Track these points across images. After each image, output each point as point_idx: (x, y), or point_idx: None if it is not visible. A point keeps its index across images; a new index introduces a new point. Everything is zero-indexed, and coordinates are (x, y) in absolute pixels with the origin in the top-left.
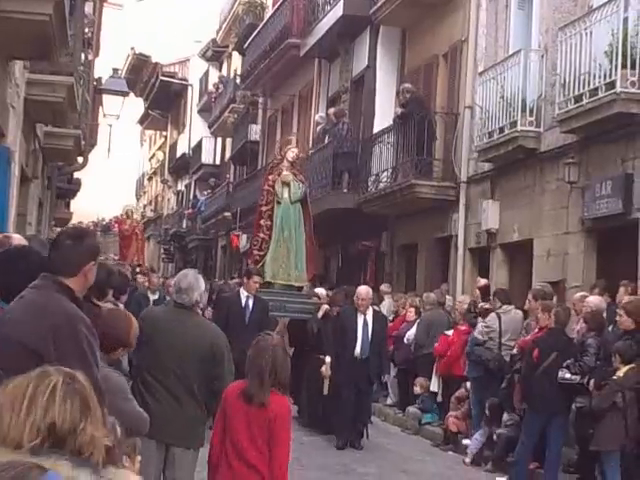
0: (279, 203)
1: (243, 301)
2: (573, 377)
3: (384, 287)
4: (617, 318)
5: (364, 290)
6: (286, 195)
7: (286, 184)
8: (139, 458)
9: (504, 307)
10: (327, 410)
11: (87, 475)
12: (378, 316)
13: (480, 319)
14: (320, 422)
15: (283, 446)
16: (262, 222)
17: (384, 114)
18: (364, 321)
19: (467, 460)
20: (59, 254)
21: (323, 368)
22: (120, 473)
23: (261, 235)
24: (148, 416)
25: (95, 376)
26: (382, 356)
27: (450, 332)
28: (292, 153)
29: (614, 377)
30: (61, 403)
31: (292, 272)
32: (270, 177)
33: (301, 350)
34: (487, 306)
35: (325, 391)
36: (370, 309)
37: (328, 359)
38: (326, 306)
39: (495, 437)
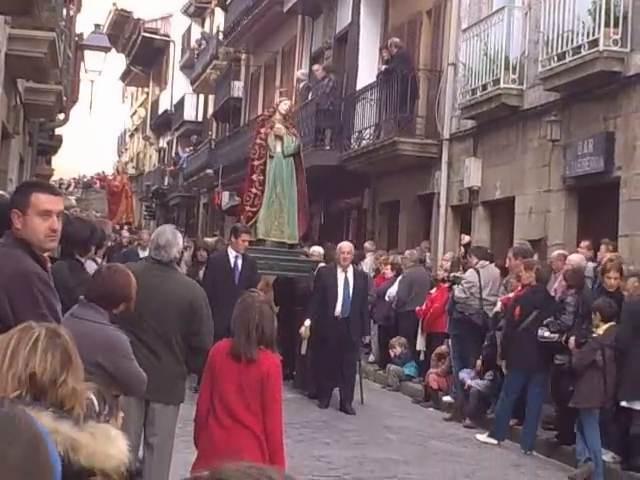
0: (272, 157)
1: (232, 261)
2: (552, 335)
3: (368, 245)
4: (607, 279)
5: (347, 245)
6: (279, 149)
7: (279, 137)
8: (121, 414)
9: (481, 262)
10: (309, 371)
11: (68, 427)
12: (359, 274)
13: (455, 286)
14: (306, 384)
15: (276, 404)
16: (254, 177)
17: (367, 71)
18: (345, 279)
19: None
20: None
21: (302, 329)
22: (101, 427)
23: (253, 190)
24: (146, 376)
25: None
26: (364, 316)
27: (433, 290)
28: (285, 105)
29: (594, 335)
30: (42, 354)
31: (285, 229)
32: (262, 130)
33: (288, 310)
34: (458, 274)
35: (303, 351)
36: (351, 266)
37: (308, 322)
38: (323, 264)
39: (464, 387)
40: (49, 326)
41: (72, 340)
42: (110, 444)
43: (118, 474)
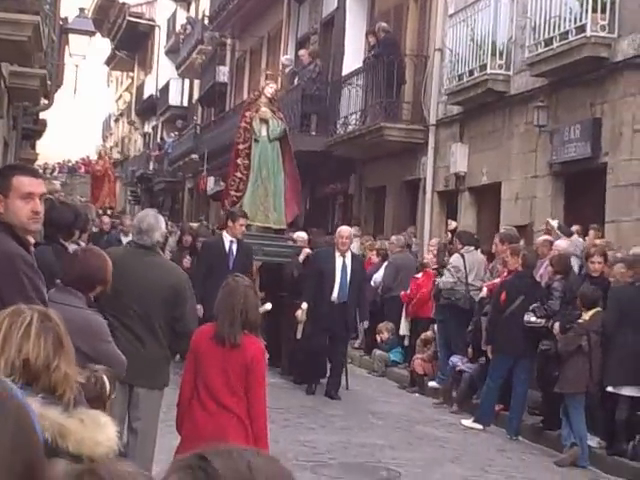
0: (257, 141)
1: (227, 246)
2: (538, 320)
3: (354, 230)
4: (591, 264)
5: (346, 229)
6: (264, 133)
7: (264, 121)
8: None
9: (466, 247)
10: (301, 356)
11: (57, 413)
12: (357, 259)
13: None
14: (298, 371)
15: (260, 388)
16: (239, 161)
17: (353, 56)
18: (343, 264)
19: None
20: None
21: (298, 312)
22: (91, 413)
23: (238, 175)
24: (125, 359)
25: None
26: (361, 301)
27: (419, 275)
28: (271, 89)
29: (580, 320)
30: (35, 339)
31: (270, 214)
32: (247, 114)
33: (274, 295)
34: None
35: (298, 335)
36: (349, 251)
37: (305, 305)
38: (308, 250)
39: (456, 370)
40: (40, 309)
41: (63, 323)
42: (99, 431)
43: None
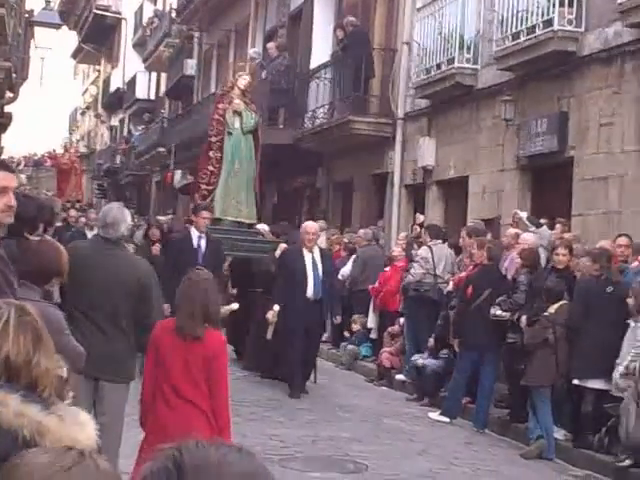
0: (230, 134)
1: (195, 241)
2: (504, 314)
3: (321, 224)
4: (555, 256)
5: (312, 225)
6: (237, 125)
7: (238, 113)
8: (71, 394)
9: (433, 241)
10: (274, 355)
11: (36, 411)
12: (325, 253)
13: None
14: (266, 367)
15: (222, 381)
16: (211, 154)
17: (321, 49)
18: (312, 260)
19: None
20: None
21: (269, 314)
22: (70, 410)
23: (210, 168)
24: (84, 351)
25: None
26: (333, 296)
27: (387, 268)
28: (244, 80)
29: (546, 313)
30: (14, 336)
31: (243, 208)
32: (220, 106)
33: (244, 291)
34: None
35: (269, 336)
36: (316, 247)
37: (277, 307)
38: (284, 245)
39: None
40: (17, 304)
41: (40, 317)
42: (79, 429)
43: None
